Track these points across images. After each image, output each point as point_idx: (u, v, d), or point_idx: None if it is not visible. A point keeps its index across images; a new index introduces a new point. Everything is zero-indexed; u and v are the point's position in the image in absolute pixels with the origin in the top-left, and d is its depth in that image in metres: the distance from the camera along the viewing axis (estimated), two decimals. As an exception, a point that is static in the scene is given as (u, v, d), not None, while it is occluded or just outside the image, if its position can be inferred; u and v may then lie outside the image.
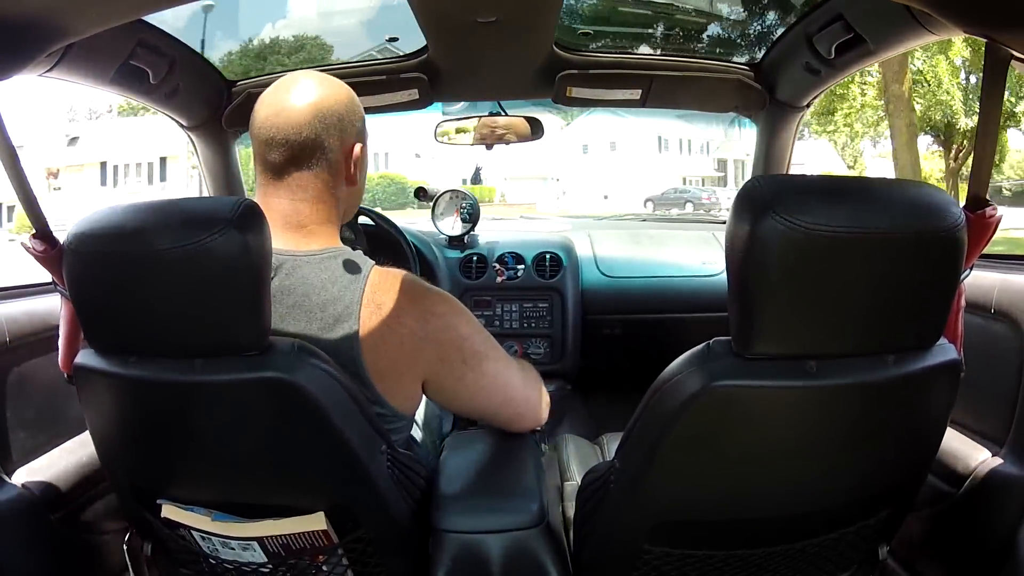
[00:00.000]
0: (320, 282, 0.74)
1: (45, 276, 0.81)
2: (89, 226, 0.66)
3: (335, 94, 0.77)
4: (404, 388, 0.78)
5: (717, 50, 2.14)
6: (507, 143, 1.56)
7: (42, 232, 0.79)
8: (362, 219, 1.49)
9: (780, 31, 1.29)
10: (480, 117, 1.54)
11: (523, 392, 0.87)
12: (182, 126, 1.40)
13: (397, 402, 0.77)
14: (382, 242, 1.43)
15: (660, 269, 1.68)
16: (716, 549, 0.74)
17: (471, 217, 1.67)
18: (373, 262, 0.78)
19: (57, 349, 0.79)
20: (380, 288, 0.75)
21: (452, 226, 1.69)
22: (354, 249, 0.79)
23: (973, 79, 9.50)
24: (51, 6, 0.68)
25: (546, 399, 0.93)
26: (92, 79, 1.06)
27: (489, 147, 1.58)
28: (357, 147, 0.78)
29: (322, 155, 0.75)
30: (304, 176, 0.75)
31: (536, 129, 1.56)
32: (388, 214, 1.49)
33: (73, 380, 0.74)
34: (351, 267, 0.75)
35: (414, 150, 17.77)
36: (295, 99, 0.74)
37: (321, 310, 0.73)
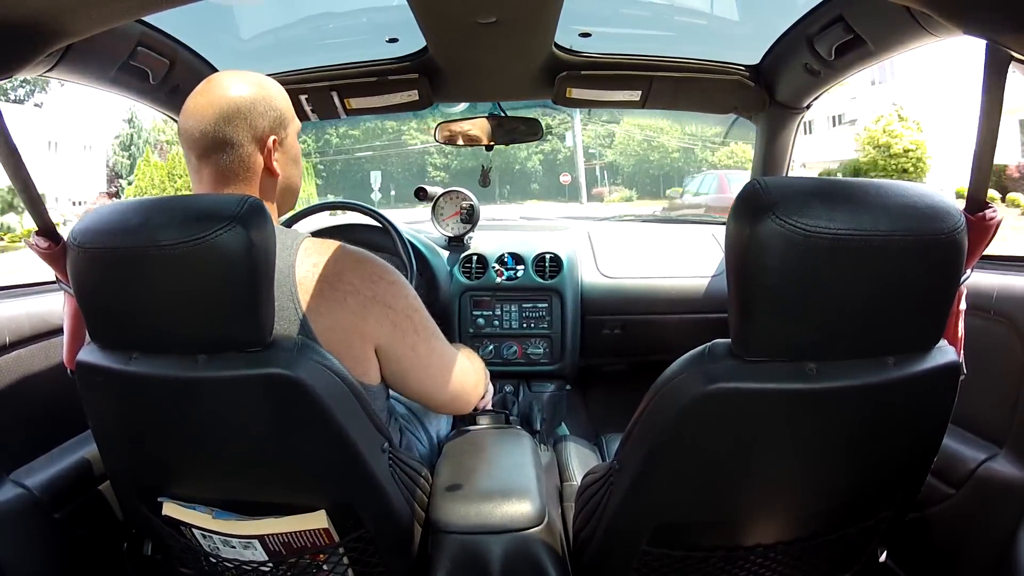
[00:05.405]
0: None
1: (47, 275, 0.81)
2: (93, 222, 0.66)
3: (240, 91, 0.79)
4: (355, 353, 0.77)
5: (717, 51, 2.13)
6: (507, 144, 1.57)
7: (45, 229, 0.80)
8: (364, 218, 1.49)
9: (780, 32, 1.29)
10: (480, 118, 1.55)
11: (461, 374, 0.89)
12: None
13: (351, 368, 0.74)
14: (383, 240, 1.44)
15: (660, 269, 1.67)
16: (715, 550, 0.74)
17: (471, 218, 1.67)
18: (308, 234, 0.80)
19: (59, 347, 0.80)
20: (316, 250, 0.77)
21: (452, 227, 1.69)
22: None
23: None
24: (51, 6, 0.68)
25: (481, 388, 0.96)
26: (92, 79, 1.06)
27: (489, 148, 1.58)
28: (271, 139, 0.80)
29: (231, 149, 0.78)
30: (217, 169, 0.78)
31: (535, 130, 1.56)
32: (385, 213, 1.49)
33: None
34: (283, 237, 0.77)
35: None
36: (203, 100, 0.78)
37: None
